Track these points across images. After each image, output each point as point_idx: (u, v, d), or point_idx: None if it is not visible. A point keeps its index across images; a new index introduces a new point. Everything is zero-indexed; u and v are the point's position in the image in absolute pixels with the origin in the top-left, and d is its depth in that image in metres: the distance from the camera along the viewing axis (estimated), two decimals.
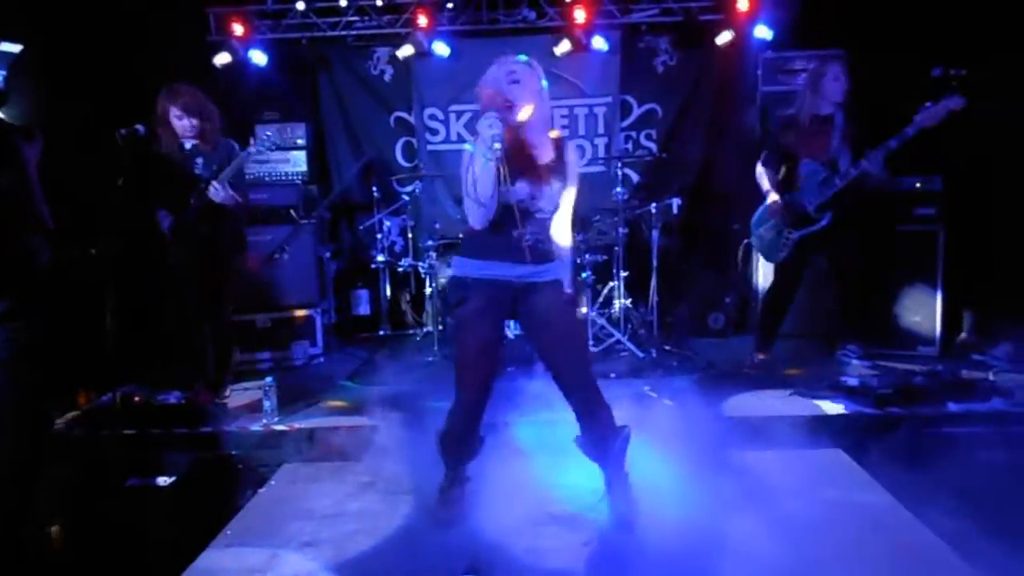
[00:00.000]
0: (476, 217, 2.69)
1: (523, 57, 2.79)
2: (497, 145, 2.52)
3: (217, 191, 4.01)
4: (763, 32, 5.75)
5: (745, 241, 4.66)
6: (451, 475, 3.06)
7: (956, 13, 4.85)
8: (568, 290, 2.88)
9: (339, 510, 3.18)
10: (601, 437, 2.87)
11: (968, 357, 4.77)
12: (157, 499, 3.42)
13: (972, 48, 4.60)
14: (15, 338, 2.27)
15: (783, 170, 4.46)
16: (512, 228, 2.71)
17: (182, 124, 4.11)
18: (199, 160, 4.17)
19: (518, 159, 2.71)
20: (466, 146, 2.74)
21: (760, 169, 4.53)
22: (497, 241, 2.76)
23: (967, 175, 4.87)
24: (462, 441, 2.98)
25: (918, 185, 4.90)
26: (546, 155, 2.80)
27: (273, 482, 3.54)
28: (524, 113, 2.66)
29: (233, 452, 3.88)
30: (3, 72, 2.86)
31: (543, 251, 2.80)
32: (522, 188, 2.71)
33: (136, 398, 4.15)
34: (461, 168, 2.73)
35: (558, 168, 2.80)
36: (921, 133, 4.00)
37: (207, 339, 4.36)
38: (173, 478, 3.55)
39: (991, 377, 4.27)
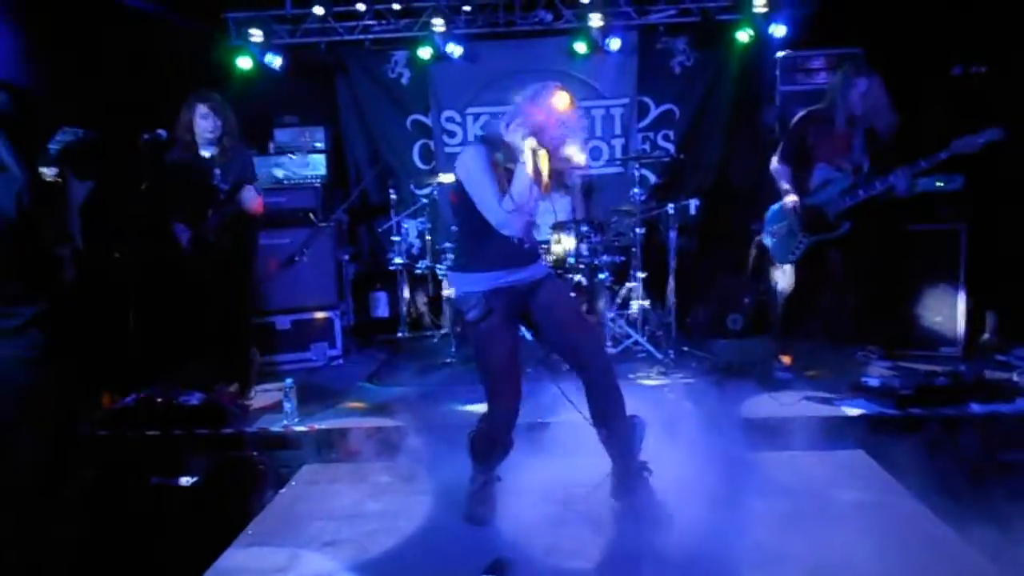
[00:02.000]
0: (515, 226, 2.77)
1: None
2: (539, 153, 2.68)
3: (250, 193, 4.13)
4: (780, 31, 5.72)
5: (757, 239, 4.61)
6: (481, 477, 3.07)
7: (975, 11, 4.80)
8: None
9: (359, 510, 3.20)
10: (610, 419, 2.87)
11: (991, 358, 4.71)
12: (180, 499, 3.46)
13: (991, 46, 4.56)
14: (43, 341, 2.35)
15: (800, 171, 4.40)
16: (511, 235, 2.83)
17: (206, 124, 4.15)
18: (217, 171, 4.21)
19: (502, 173, 2.82)
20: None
21: (776, 165, 4.45)
22: (503, 250, 2.84)
23: (990, 173, 4.81)
24: (497, 445, 3.01)
25: (940, 184, 4.85)
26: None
27: (294, 483, 3.56)
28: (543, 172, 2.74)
29: (254, 453, 3.91)
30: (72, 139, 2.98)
31: (536, 251, 2.99)
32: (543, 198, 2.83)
33: (159, 399, 4.20)
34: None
35: (562, 183, 2.95)
36: (945, 128, 3.94)
37: (228, 342, 4.42)
38: (195, 478, 3.59)
39: (1015, 378, 4.22)
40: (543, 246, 5.27)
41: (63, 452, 2.50)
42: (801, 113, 4.41)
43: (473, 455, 3.06)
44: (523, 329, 3.16)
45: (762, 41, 5.84)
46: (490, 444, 3.01)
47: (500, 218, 2.74)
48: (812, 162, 4.31)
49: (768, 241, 4.59)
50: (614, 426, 2.88)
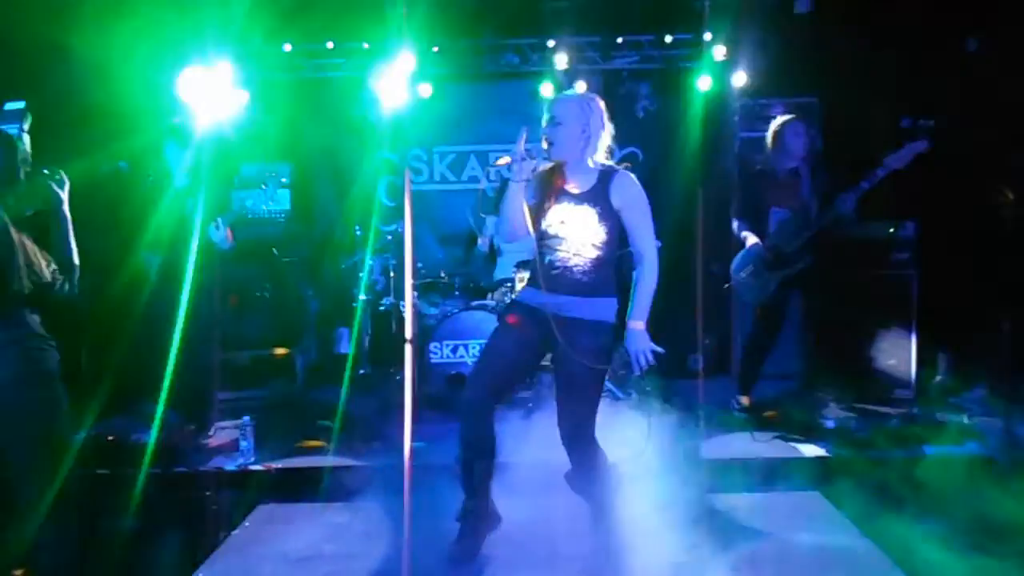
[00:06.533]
0: (499, 233, 2.88)
1: (571, 92, 2.91)
2: (512, 163, 2.69)
3: (217, 229, 4.08)
4: (740, 80, 5.90)
5: (726, 285, 4.71)
6: (469, 503, 2.96)
7: (924, 66, 5.01)
8: (637, 323, 2.82)
9: (314, 552, 3.13)
10: (589, 476, 2.89)
11: (943, 400, 4.82)
12: (129, 540, 3.35)
13: (939, 98, 4.76)
14: (34, 357, 2.39)
15: (756, 220, 4.54)
16: (546, 254, 2.82)
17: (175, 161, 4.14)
18: (189, 201, 4.18)
19: (552, 188, 2.84)
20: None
21: (735, 222, 4.64)
22: (536, 266, 2.85)
23: (939, 221, 4.98)
24: (466, 443, 2.87)
25: (892, 231, 5.00)
26: (583, 185, 2.83)
27: (247, 523, 3.48)
28: (502, 160, 2.75)
29: (207, 492, 3.82)
30: (18, 126, 3.02)
31: (573, 282, 2.79)
32: (553, 215, 2.81)
33: (110, 437, 4.09)
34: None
35: (595, 198, 2.79)
36: (894, 179, 4.09)
37: (190, 378, 4.34)
38: (146, 518, 3.49)
39: (966, 420, 4.32)
40: (506, 284, 5.28)
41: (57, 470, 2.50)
42: (750, 170, 4.60)
43: (459, 472, 2.95)
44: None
45: (723, 88, 6.01)
46: (460, 438, 2.87)
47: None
48: (767, 209, 4.46)
49: (738, 286, 4.68)
50: (589, 484, 2.91)
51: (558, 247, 2.79)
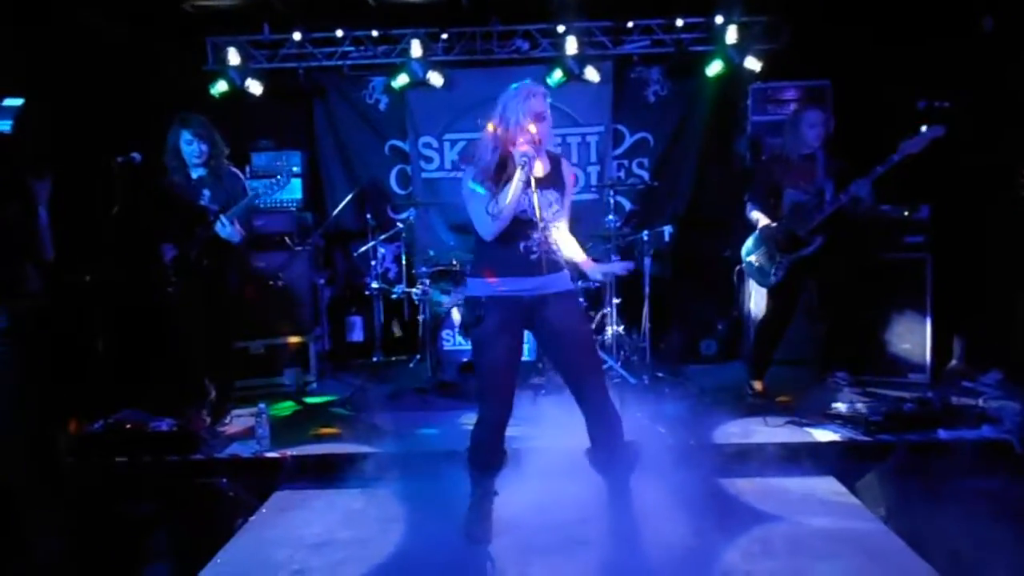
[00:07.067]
0: (489, 230, 2.81)
1: (535, 84, 2.91)
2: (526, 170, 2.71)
3: (224, 226, 4.05)
4: (752, 63, 5.85)
5: (738, 267, 4.70)
6: (479, 490, 3.06)
7: (939, 47, 4.95)
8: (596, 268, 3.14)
9: (330, 538, 3.16)
10: (610, 448, 2.92)
11: (958, 384, 4.79)
12: (147, 527, 3.40)
13: (955, 80, 4.70)
14: (5, 357, 2.36)
15: (770, 202, 4.52)
16: (520, 240, 2.83)
17: (191, 149, 4.15)
18: (206, 192, 4.20)
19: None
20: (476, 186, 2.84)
21: (749, 206, 4.61)
22: (507, 255, 2.85)
23: (954, 204, 4.94)
24: (490, 454, 3.01)
25: (906, 214, 4.96)
26: (544, 169, 2.93)
27: (264, 509, 3.52)
28: (538, 168, 2.84)
29: (224, 479, 3.86)
30: (10, 121, 3.03)
31: (552, 261, 2.88)
32: (524, 199, 2.81)
33: (128, 425, 4.13)
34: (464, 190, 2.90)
35: (555, 181, 2.94)
36: (908, 162, 4.06)
37: (206, 367, 4.38)
38: (163, 506, 3.53)
39: (981, 404, 4.29)
40: None
41: (36, 471, 2.50)
42: (763, 157, 4.56)
43: (469, 466, 3.04)
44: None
45: (734, 72, 5.96)
46: (480, 450, 2.99)
47: (479, 224, 2.85)
48: (781, 191, 4.45)
49: (748, 270, 4.67)
50: (612, 454, 2.93)
51: (531, 232, 2.85)
